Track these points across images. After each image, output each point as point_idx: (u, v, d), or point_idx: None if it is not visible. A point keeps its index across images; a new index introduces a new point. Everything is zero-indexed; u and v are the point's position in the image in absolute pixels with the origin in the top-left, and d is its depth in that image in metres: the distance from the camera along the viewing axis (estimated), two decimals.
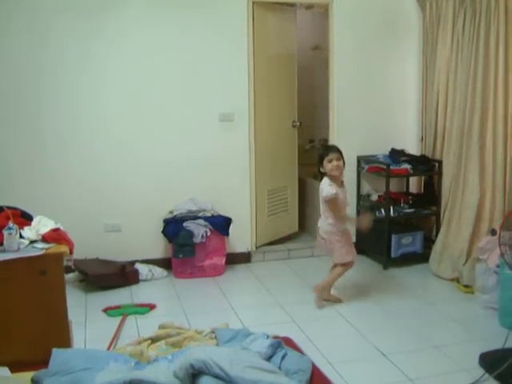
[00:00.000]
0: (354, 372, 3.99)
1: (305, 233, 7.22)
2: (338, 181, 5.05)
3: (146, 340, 4.08)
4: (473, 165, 5.69)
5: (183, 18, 5.90)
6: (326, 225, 5.13)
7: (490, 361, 3.94)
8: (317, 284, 5.25)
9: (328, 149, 5.11)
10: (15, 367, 3.50)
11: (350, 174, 6.42)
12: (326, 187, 4.99)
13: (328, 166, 4.95)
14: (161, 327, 4.33)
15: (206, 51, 5.99)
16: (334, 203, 4.99)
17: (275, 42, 6.55)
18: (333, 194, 4.94)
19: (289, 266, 6.31)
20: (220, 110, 6.08)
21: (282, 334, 4.30)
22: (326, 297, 5.23)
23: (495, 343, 4.18)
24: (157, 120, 5.98)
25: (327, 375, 3.82)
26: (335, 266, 5.23)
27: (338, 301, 5.25)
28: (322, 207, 5.14)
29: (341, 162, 5.01)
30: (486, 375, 3.85)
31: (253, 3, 6.12)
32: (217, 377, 3.40)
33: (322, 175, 5.08)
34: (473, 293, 5.36)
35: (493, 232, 5.01)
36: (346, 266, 5.19)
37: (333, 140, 6.57)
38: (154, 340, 4.10)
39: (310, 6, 7.48)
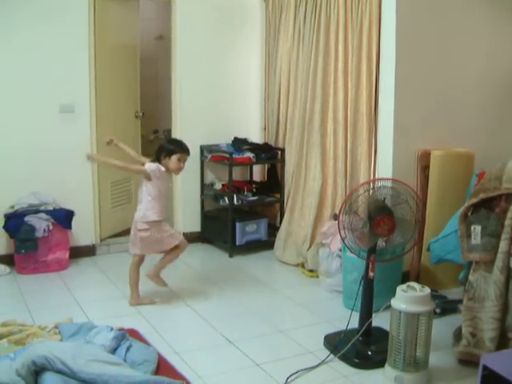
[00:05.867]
0: (200, 360, 3.97)
1: None
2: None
3: None
4: (314, 152, 5.83)
5: (20, 7, 5.59)
6: (149, 214, 4.84)
7: (335, 342, 4.05)
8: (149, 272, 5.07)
9: (181, 147, 4.88)
10: None
11: (193, 164, 6.42)
12: (151, 164, 4.80)
13: (175, 164, 4.80)
14: (3, 325, 4.13)
15: (45, 42, 5.73)
16: (144, 174, 4.79)
17: (117, 32, 6.40)
18: (149, 169, 4.74)
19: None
20: (60, 102, 5.86)
21: (127, 326, 4.28)
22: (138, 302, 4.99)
23: (339, 325, 4.30)
24: None
25: (174, 365, 3.82)
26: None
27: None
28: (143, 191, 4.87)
29: (185, 164, 4.93)
30: (331, 356, 3.95)
31: None
32: (60, 372, 3.34)
33: (158, 161, 4.82)
34: (317, 277, 5.49)
35: (335, 217, 5.12)
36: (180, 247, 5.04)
37: (176, 130, 6.54)
38: None
39: None
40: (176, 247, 4.99)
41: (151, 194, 4.81)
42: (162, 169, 4.78)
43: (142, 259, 5.02)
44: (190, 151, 6.41)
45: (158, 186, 4.81)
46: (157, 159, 4.83)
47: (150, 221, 4.83)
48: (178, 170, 4.87)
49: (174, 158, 4.79)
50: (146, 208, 4.84)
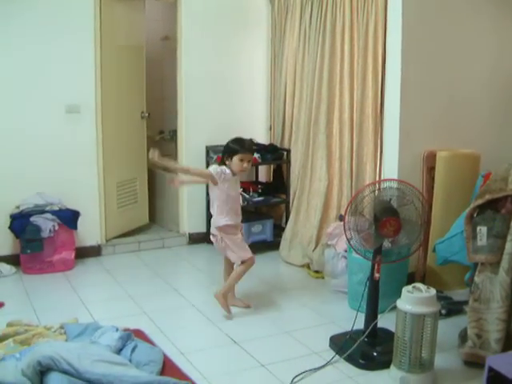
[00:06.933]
0: (206, 361, 3.97)
1: (155, 224, 7.17)
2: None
3: None
4: (320, 153, 5.83)
5: (25, 6, 5.60)
6: (218, 219, 4.70)
7: (340, 343, 4.04)
8: (217, 292, 4.78)
9: (244, 146, 4.62)
10: None
11: (199, 164, 6.46)
12: (215, 166, 4.63)
13: (238, 164, 4.55)
14: (9, 325, 4.15)
15: (51, 42, 5.74)
16: (207, 178, 4.64)
17: (123, 33, 6.42)
18: (214, 171, 4.54)
19: (139, 257, 6.23)
20: (66, 102, 5.87)
21: (133, 327, 4.28)
22: (231, 302, 4.83)
23: (345, 326, 4.30)
24: None
25: (179, 365, 3.83)
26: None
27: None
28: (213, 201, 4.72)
29: (250, 164, 4.66)
30: (337, 357, 3.95)
31: None
32: (65, 372, 3.34)
33: (222, 164, 4.66)
34: (323, 278, 5.49)
35: (341, 217, 5.12)
36: (247, 263, 4.77)
37: (181, 130, 6.57)
38: (1, 339, 3.92)
39: None
40: (242, 263, 4.76)
41: (219, 199, 4.64)
42: (227, 171, 4.57)
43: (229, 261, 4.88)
44: (195, 151, 6.45)
45: (226, 189, 4.60)
46: (221, 161, 4.67)
47: (221, 225, 4.68)
48: (240, 171, 4.62)
49: (236, 158, 4.56)
50: (215, 213, 4.70)
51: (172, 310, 4.91)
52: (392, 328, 3.81)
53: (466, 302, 4.23)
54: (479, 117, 5.43)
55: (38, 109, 5.81)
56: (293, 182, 6.32)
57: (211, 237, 4.82)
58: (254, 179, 6.86)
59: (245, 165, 4.59)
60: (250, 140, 4.83)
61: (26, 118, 5.77)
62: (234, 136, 6.21)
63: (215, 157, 6.41)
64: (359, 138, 5.51)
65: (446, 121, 5.24)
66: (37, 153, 5.83)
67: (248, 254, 4.75)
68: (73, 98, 5.93)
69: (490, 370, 2.95)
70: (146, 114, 6.87)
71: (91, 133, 6.07)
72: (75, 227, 5.85)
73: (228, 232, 4.68)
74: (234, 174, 4.62)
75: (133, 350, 3.81)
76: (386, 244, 3.97)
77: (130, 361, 3.69)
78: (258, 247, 6.24)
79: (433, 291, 3.61)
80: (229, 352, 4.14)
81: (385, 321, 4.02)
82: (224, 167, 4.60)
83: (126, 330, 4.10)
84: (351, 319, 4.12)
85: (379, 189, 3.96)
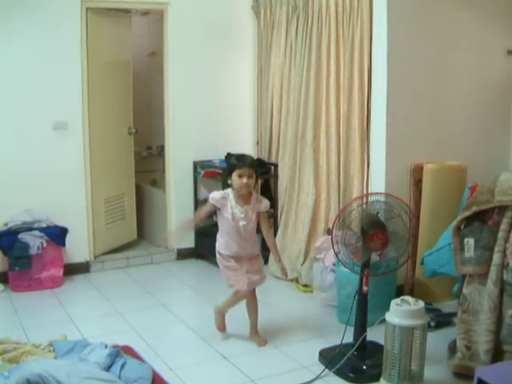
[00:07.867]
0: (195, 376, 3.96)
1: (143, 240, 7.14)
2: (244, 197, 4.34)
3: None
4: (307, 167, 5.84)
5: (11, 23, 5.61)
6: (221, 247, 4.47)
7: (329, 356, 4.05)
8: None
9: (241, 161, 4.29)
10: None
11: (186, 180, 6.49)
12: (214, 192, 4.40)
13: (237, 181, 4.23)
14: None
15: (37, 58, 5.74)
16: (204, 208, 4.41)
17: (110, 49, 6.43)
18: (212, 199, 4.32)
19: (128, 274, 6.21)
20: (53, 119, 5.86)
21: (122, 343, 4.25)
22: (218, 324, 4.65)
23: (334, 339, 4.30)
24: None
25: (168, 381, 3.82)
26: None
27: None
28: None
29: (252, 180, 4.28)
30: (326, 371, 3.95)
31: (86, 9, 5.96)
32: None
33: (227, 186, 4.38)
34: (312, 292, 5.49)
35: (328, 231, 5.11)
36: (238, 295, 4.52)
37: (169, 146, 6.57)
38: None
39: (145, 13, 7.43)
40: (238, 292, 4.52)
41: (220, 226, 4.41)
42: (230, 195, 4.30)
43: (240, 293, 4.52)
44: (183, 167, 6.41)
45: (226, 216, 4.32)
46: (225, 182, 4.48)
47: (220, 252, 4.47)
48: (241, 187, 4.24)
49: (234, 175, 4.25)
50: (217, 238, 4.48)
51: (161, 325, 4.90)
52: (381, 341, 3.80)
53: (454, 314, 4.24)
54: (465, 129, 5.45)
55: (25, 125, 5.80)
56: (280, 197, 6.32)
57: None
58: None
59: (244, 180, 4.22)
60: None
61: (13, 134, 5.76)
62: (221, 151, 6.26)
63: (202, 172, 6.43)
64: (346, 151, 5.51)
65: (432, 133, 5.27)
66: (24, 169, 5.81)
67: (241, 286, 4.45)
68: (60, 114, 5.92)
69: (479, 381, 2.95)
70: (134, 130, 6.86)
71: (79, 149, 6.06)
72: (63, 244, 5.83)
73: (221, 260, 4.49)
74: (239, 196, 4.32)
75: (122, 366, 3.79)
76: (374, 257, 3.98)
77: (120, 378, 3.68)
78: None
79: (421, 304, 3.61)
80: (218, 367, 4.13)
81: (374, 334, 4.03)
82: (225, 191, 4.36)
83: (115, 346, 4.07)
84: (340, 333, 4.12)
85: (366, 202, 3.98)
